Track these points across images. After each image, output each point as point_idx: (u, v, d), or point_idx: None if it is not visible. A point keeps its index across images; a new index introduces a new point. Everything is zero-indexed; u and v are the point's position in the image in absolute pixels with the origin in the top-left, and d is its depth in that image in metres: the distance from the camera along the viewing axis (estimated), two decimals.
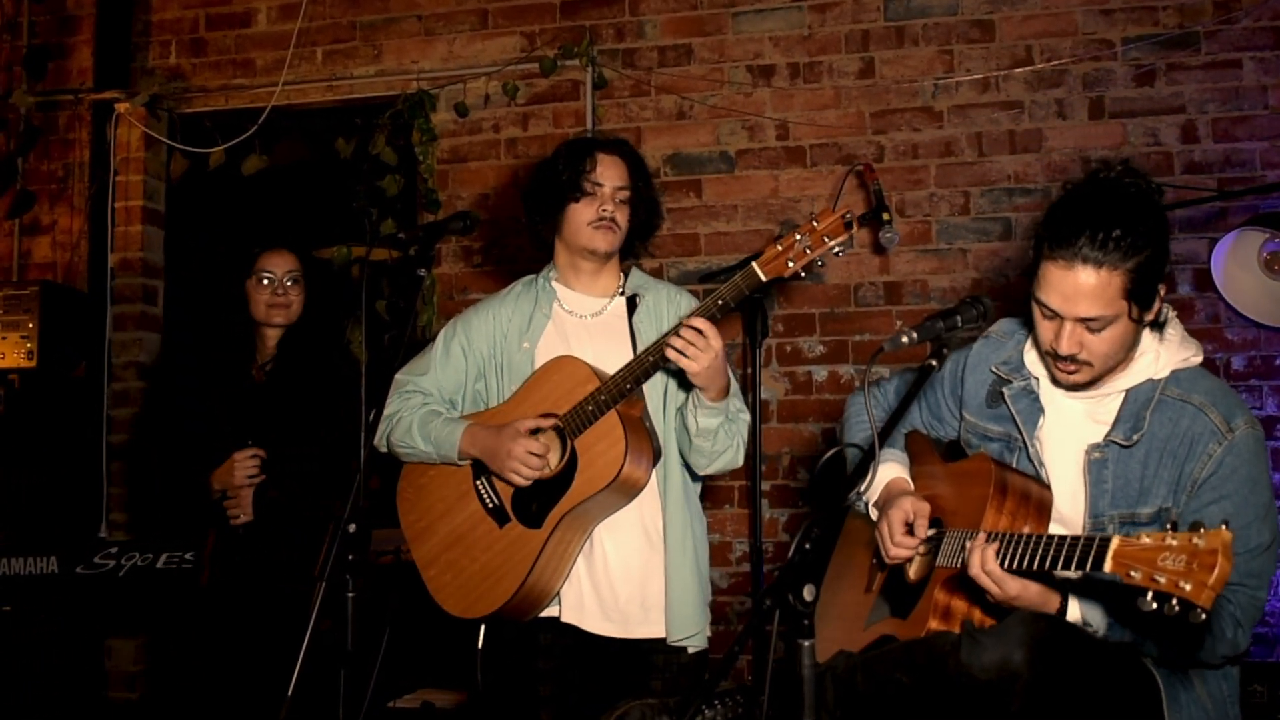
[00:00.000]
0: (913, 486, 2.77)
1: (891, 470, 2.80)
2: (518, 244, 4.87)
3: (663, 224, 3.34)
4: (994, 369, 2.70)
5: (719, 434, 2.98)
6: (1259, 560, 2.35)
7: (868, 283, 4.67)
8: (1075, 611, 2.38)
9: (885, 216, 4.28)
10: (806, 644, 1.95)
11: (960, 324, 2.35)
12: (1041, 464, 2.56)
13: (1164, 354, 2.47)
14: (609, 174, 3.12)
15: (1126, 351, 2.42)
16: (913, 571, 2.68)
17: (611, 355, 3.05)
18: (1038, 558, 2.25)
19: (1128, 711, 2.31)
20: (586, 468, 2.92)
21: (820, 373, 4.69)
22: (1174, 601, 1.89)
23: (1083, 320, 2.33)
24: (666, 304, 3.19)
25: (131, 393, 5.16)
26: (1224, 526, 1.90)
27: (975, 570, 2.34)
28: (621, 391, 2.90)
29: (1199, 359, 2.50)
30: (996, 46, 4.61)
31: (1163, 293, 2.40)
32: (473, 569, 3.05)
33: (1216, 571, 1.86)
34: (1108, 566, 2.03)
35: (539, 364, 3.09)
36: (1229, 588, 2.24)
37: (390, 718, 4.08)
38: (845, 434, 3.08)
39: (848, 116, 4.72)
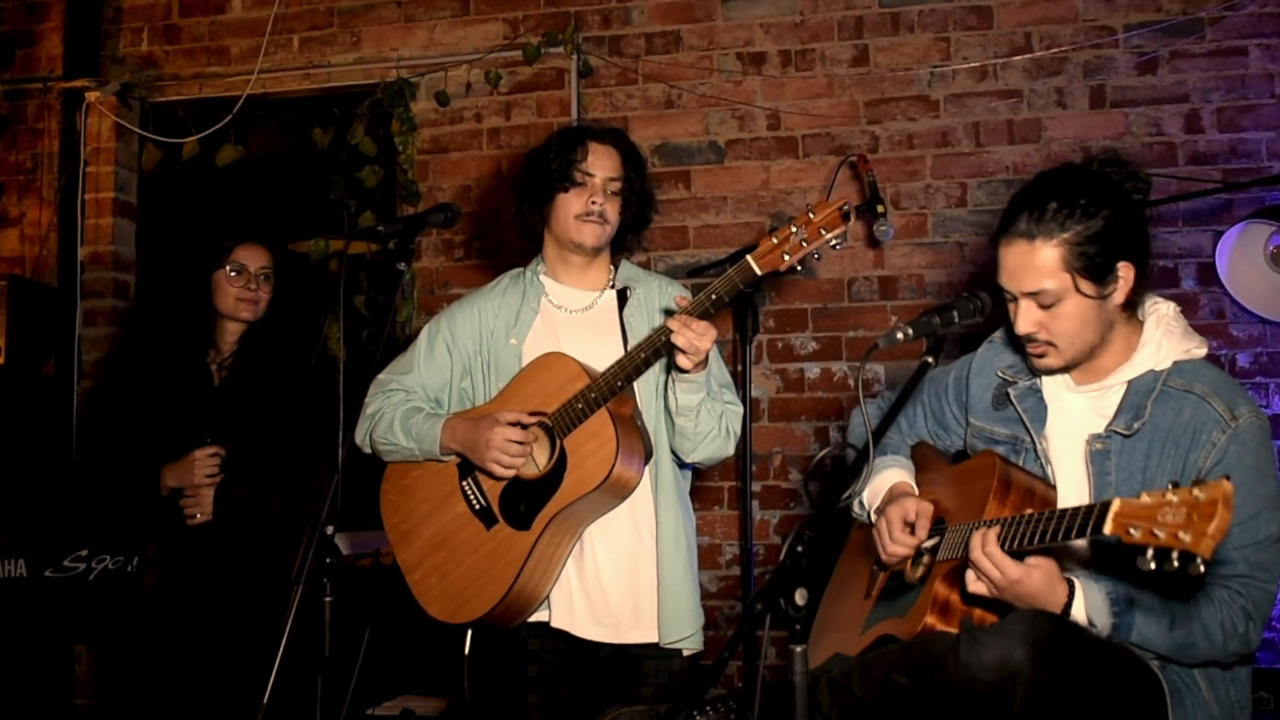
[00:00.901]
0: (917, 492, 2.78)
1: (895, 475, 2.82)
2: (500, 237, 4.86)
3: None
4: (999, 372, 2.72)
5: (700, 412, 2.94)
6: (1269, 552, 2.34)
7: (862, 277, 4.64)
8: (1080, 609, 2.34)
9: (880, 209, 4.32)
10: (799, 649, 1.96)
11: (957, 319, 2.36)
12: (1049, 462, 2.56)
13: (1166, 345, 2.47)
14: (601, 164, 3.08)
15: (1097, 333, 2.43)
16: (913, 573, 2.66)
17: (602, 351, 3.01)
18: (1039, 533, 2.25)
19: (1132, 714, 2.29)
20: (576, 468, 2.90)
21: (813, 370, 4.66)
22: (1174, 556, 1.87)
23: (1029, 295, 2.40)
24: (659, 297, 3.16)
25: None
26: (1225, 479, 1.88)
27: (976, 553, 2.32)
28: (612, 389, 2.87)
29: (1202, 351, 2.50)
30: (994, 33, 4.58)
31: (1125, 272, 2.41)
32: (459, 572, 3.01)
33: (1216, 520, 1.84)
34: (1108, 528, 2.02)
35: (527, 360, 3.06)
36: (1239, 581, 2.32)
37: None
38: (847, 440, 3.14)
39: (841, 106, 4.68)
